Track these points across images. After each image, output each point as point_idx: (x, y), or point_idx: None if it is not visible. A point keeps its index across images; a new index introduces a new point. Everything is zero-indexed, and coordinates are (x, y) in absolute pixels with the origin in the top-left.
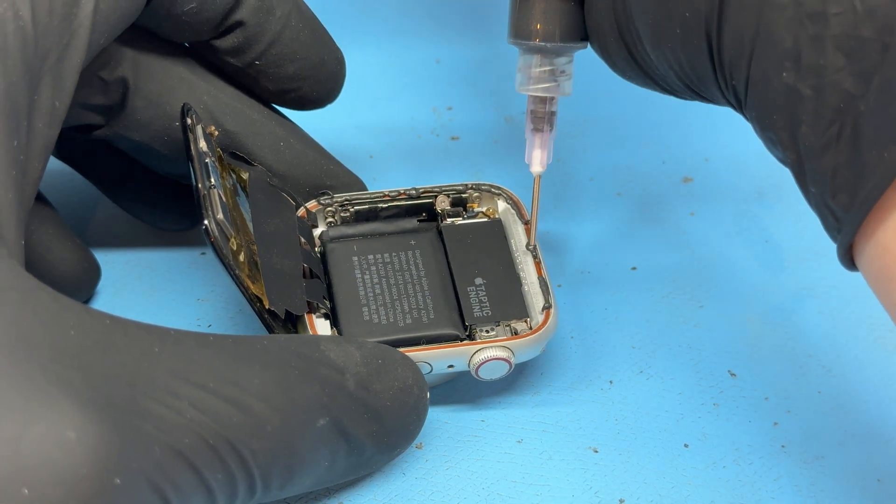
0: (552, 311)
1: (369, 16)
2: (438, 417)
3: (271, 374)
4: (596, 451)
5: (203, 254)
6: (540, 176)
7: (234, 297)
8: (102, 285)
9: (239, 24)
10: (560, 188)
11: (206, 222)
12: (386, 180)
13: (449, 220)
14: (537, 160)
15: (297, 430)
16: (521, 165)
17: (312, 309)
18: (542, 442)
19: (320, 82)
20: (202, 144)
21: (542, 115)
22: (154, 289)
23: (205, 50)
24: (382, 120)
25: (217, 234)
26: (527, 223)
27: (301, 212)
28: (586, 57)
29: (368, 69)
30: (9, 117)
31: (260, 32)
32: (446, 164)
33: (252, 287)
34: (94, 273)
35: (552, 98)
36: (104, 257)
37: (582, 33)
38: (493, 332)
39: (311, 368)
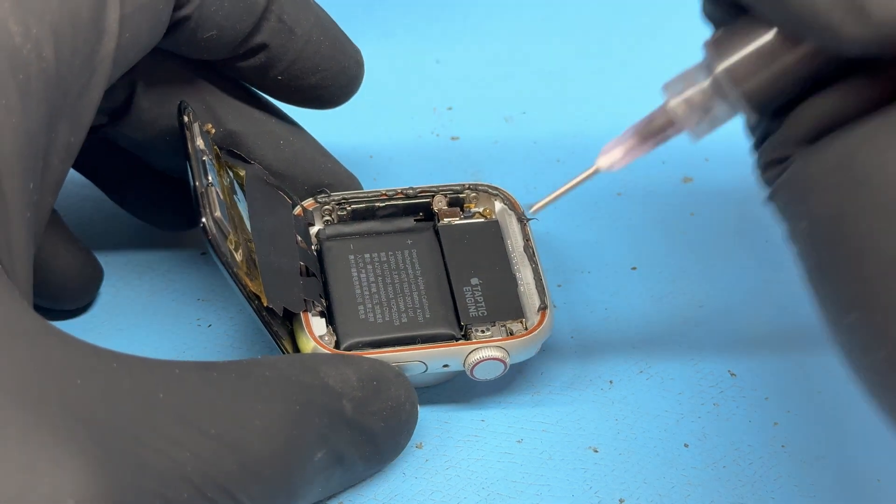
0: (548, 311)
1: (369, 16)
2: (438, 417)
3: (274, 412)
4: (596, 451)
5: (203, 254)
6: (596, 173)
7: (234, 297)
8: (102, 285)
9: (262, 46)
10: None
11: (203, 220)
12: (386, 180)
13: (446, 220)
14: (609, 158)
15: (296, 468)
16: (520, 165)
17: (309, 307)
18: (542, 442)
19: (340, 87)
20: (199, 142)
21: (655, 132)
22: (154, 289)
23: (227, 69)
24: (382, 120)
25: (215, 231)
26: (524, 219)
27: (298, 210)
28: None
29: (368, 69)
30: (27, 160)
31: (283, 52)
32: (446, 164)
33: (250, 285)
34: (97, 277)
35: (677, 127)
36: (104, 257)
37: (766, 111)
38: (489, 333)
39: (312, 400)
